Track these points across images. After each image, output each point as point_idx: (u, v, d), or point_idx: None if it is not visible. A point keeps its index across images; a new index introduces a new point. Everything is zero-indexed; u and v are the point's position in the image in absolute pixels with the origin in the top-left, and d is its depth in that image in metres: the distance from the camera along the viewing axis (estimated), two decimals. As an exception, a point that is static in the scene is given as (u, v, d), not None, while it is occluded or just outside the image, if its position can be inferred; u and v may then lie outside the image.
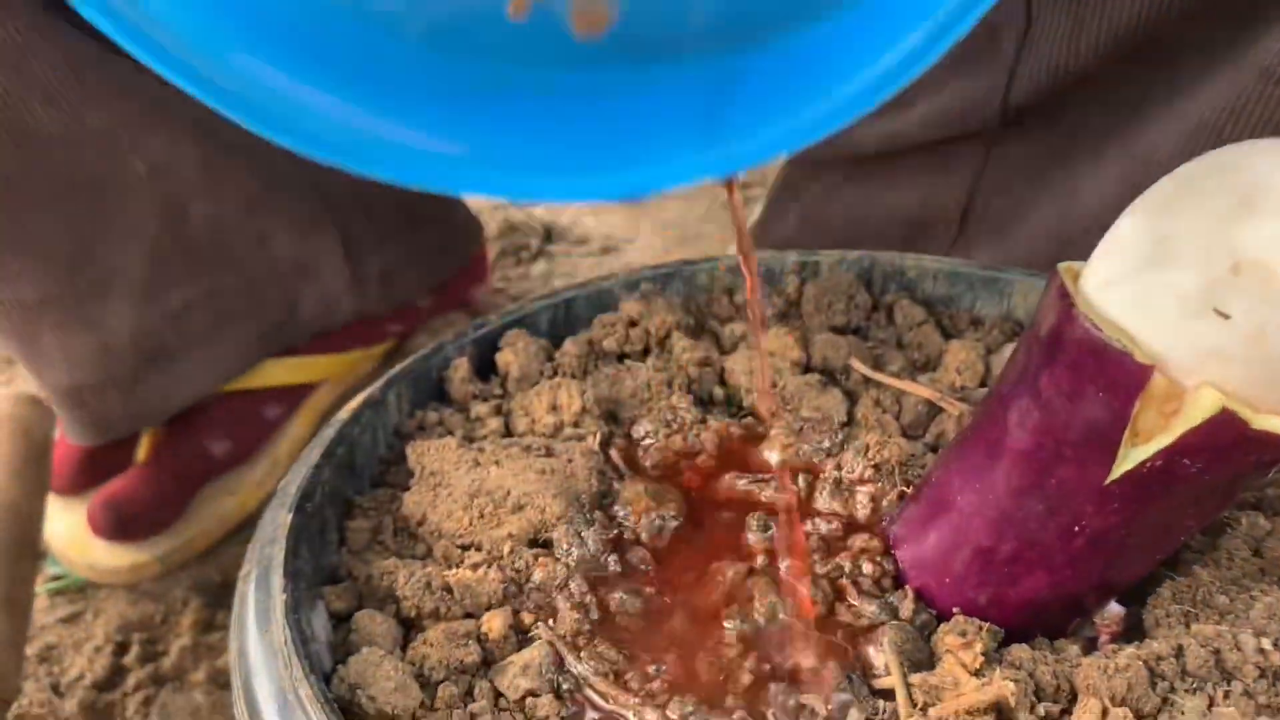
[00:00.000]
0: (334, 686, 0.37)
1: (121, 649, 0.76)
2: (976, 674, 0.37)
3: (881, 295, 0.59)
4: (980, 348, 0.54)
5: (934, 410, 0.52)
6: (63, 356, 0.72)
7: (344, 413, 0.48)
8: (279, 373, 0.85)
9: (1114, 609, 0.42)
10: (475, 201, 1.12)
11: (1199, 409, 0.33)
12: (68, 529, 0.80)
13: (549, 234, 1.13)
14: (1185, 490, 0.36)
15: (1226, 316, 0.33)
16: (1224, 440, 0.34)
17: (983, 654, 0.37)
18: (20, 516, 0.68)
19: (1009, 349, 0.54)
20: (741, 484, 0.47)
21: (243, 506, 0.83)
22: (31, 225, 0.66)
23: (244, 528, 0.84)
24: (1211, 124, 0.60)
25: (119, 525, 0.79)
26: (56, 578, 0.80)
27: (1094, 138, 0.68)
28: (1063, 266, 0.38)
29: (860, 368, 0.54)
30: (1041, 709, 0.37)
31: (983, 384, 0.54)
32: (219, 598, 0.79)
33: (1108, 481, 0.36)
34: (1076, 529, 0.37)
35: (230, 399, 0.84)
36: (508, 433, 0.51)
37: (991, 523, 0.39)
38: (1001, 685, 0.36)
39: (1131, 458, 0.35)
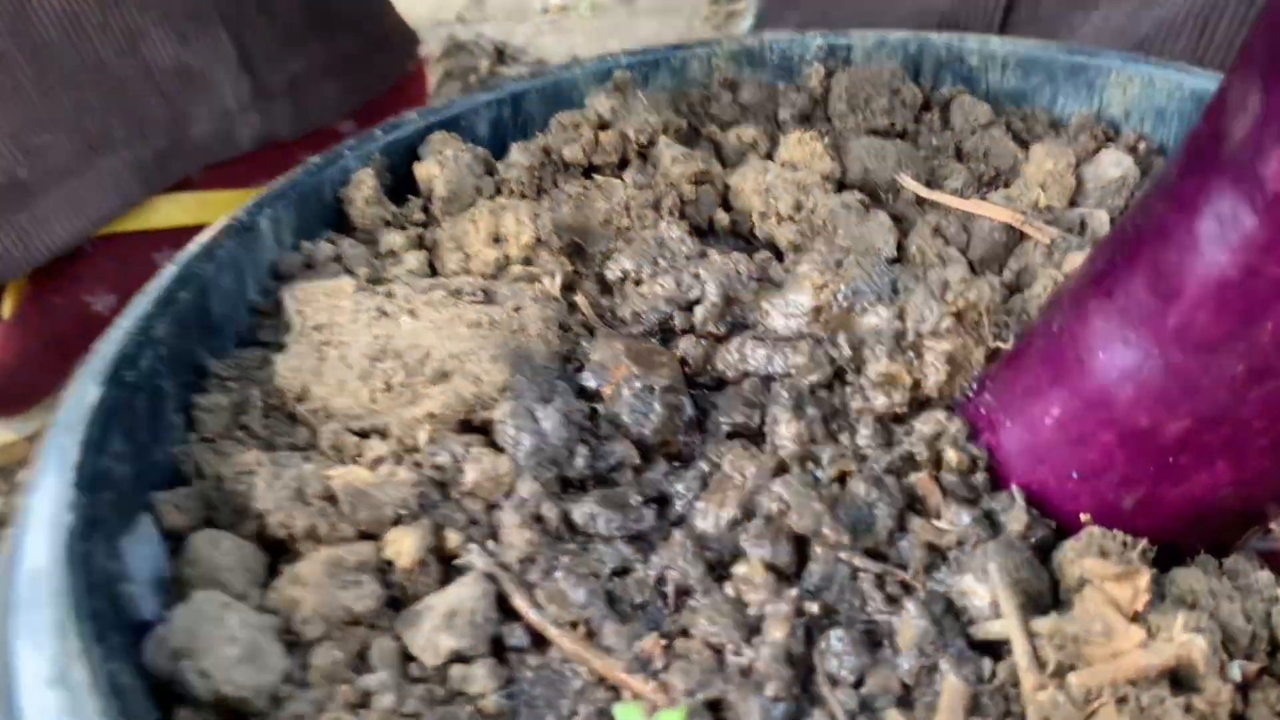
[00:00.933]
0: (148, 655, 0.24)
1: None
2: (1136, 619, 0.24)
3: (934, 89, 0.45)
4: (1069, 155, 0.40)
5: (1014, 238, 0.38)
6: None
7: (193, 245, 0.34)
8: (172, 211, 0.71)
9: (1300, 512, 0.29)
10: (413, 15, 0.94)
11: None
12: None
13: (501, 55, 0.96)
14: None
15: None
16: None
17: (1147, 594, 0.25)
18: None
19: (1109, 158, 0.40)
20: (759, 352, 0.33)
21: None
22: None
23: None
24: None
25: None
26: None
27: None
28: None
29: (911, 185, 0.40)
30: (1235, 668, 0.24)
31: (1073, 203, 0.40)
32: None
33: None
34: (1296, 397, 0.24)
35: (114, 243, 0.70)
36: (432, 273, 0.37)
37: (1155, 391, 0.26)
38: (1187, 643, 0.23)
39: None
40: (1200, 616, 0.24)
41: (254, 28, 0.70)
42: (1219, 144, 0.24)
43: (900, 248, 0.38)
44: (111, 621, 0.24)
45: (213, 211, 0.72)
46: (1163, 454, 0.26)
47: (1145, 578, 0.24)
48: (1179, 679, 0.24)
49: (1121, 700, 0.23)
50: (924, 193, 0.39)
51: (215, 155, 0.71)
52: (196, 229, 0.74)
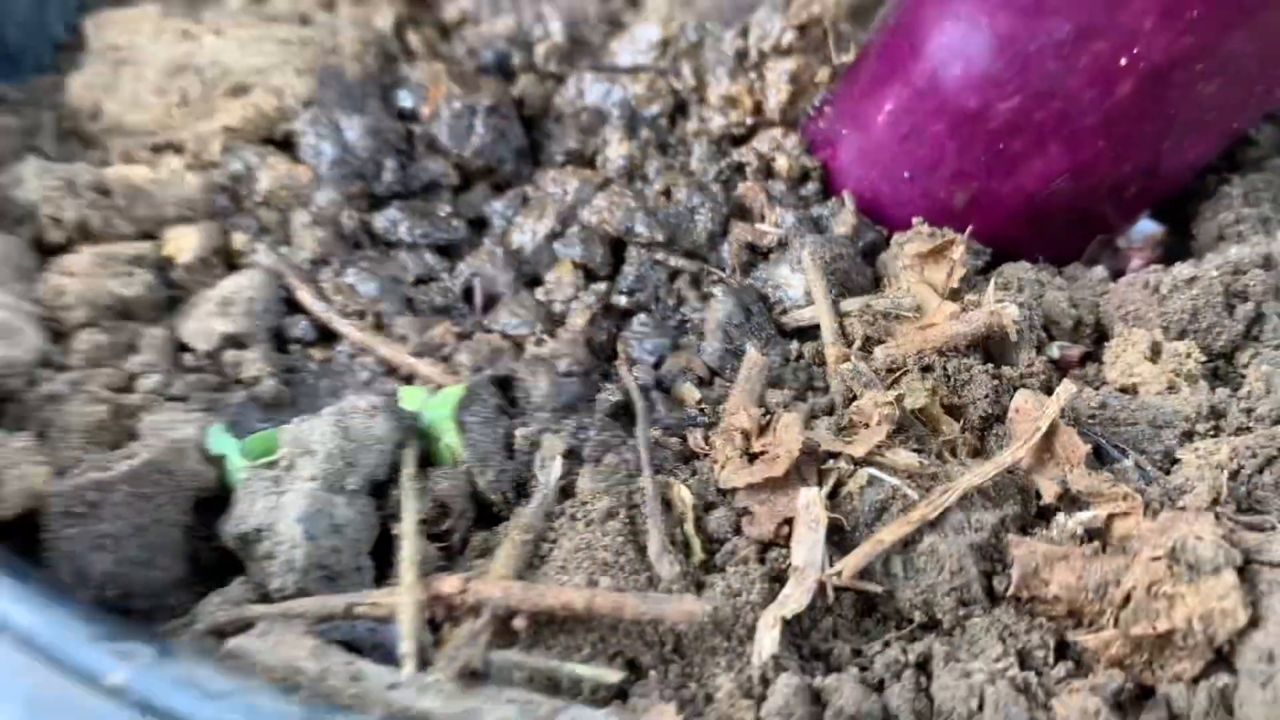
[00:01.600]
0: (-122, 334, 0.22)
1: None
2: (953, 296, 0.23)
3: None
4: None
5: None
6: None
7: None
8: None
9: (1147, 227, 0.28)
10: None
11: None
12: None
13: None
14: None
15: None
16: None
17: (962, 267, 0.23)
18: None
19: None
20: (599, 86, 0.31)
21: None
22: None
23: None
24: None
25: None
26: None
27: None
28: None
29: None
30: (1055, 348, 0.23)
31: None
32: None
33: (1192, -37, 0.21)
34: (1124, 62, 0.23)
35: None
36: (252, 4, 0.34)
37: (982, 69, 0.24)
38: (998, 309, 0.22)
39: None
40: (1020, 296, 0.23)
41: None
42: None
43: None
44: None
45: None
46: (993, 140, 0.25)
47: (960, 249, 0.23)
48: (992, 354, 0.23)
49: (926, 368, 0.22)
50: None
51: None
52: None
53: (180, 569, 0.20)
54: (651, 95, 0.31)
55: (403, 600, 0.18)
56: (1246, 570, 0.18)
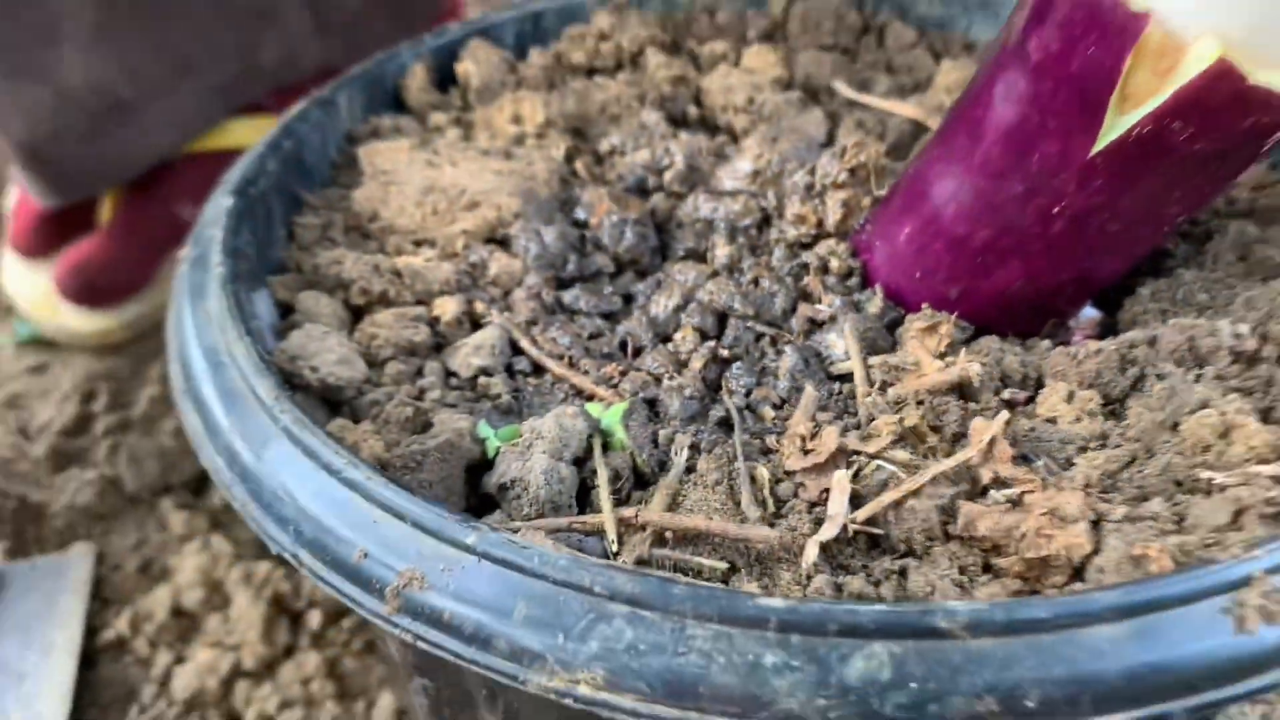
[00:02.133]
0: (274, 358, 0.36)
1: (89, 397, 0.75)
2: (940, 357, 0.36)
3: (874, 16, 0.56)
4: (970, 67, 0.51)
5: (920, 132, 0.49)
6: (17, 108, 0.68)
7: (293, 110, 0.46)
8: (247, 133, 0.82)
9: (1089, 313, 0.41)
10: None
11: (1196, 61, 0.31)
12: (36, 290, 0.79)
13: None
14: (1172, 166, 0.34)
15: (1235, -46, 0.30)
16: (1220, 98, 0.31)
17: (948, 339, 0.36)
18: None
19: (1001, 72, 0.51)
20: (709, 204, 0.44)
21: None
22: None
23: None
24: None
25: (86, 290, 0.77)
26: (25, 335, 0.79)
27: None
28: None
29: (844, 89, 0.51)
30: (1006, 393, 0.35)
31: (971, 108, 0.51)
32: (188, 350, 0.78)
33: (1092, 153, 0.34)
34: (1056, 211, 0.35)
35: (198, 161, 0.81)
36: (467, 142, 0.48)
37: (967, 209, 0.37)
38: (965, 365, 0.35)
39: (1119, 124, 0.33)
40: (985, 358, 0.36)
41: None
42: (1009, 33, 0.35)
43: (830, 135, 0.49)
44: (247, 330, 0.35)
45: (279, 129, 0.84)
46: (974, 255, 0.37)
47: (947, 326, 0.36)
48: (965, 395, 0.35)
49: (919, 403, 0.34)
50: (852, 95, 0.50)
51: (280, 80, 0.82)
52: (267, 144, 0.86)
53: (462, 504, 0.33)
54: (745, 211, 0.44)
55: (606, 518, 0.31)
56: (1097, 524, 0.30)
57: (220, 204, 0.39)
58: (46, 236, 0.80)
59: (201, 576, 0.62)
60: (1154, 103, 0.32)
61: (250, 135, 0.83)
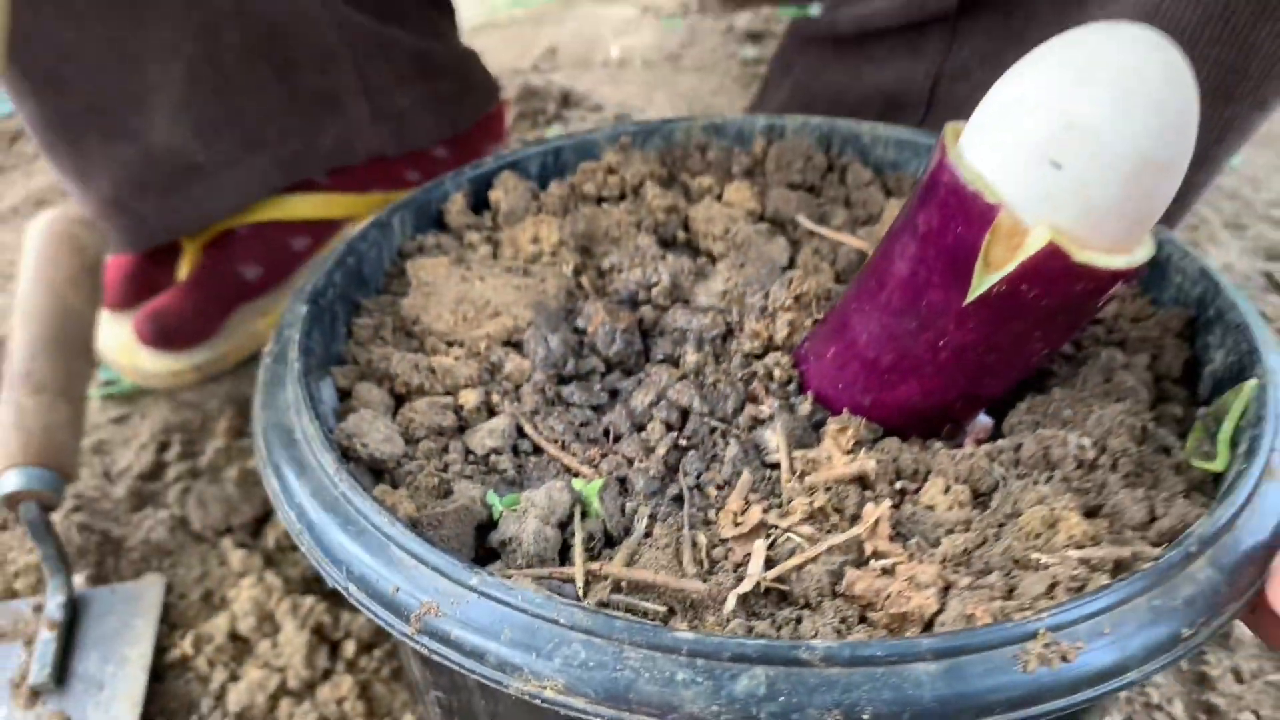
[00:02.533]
0: (335, 436, 0.46)
1: (164, 447, 0.86)
2: (849, 453, 0.46)
3: (838, 158, 0.66)
4: (914, 208, 0.62)
5: (864, 258, 0.60)
6: (106, 164, 0.81)
7: (353, 230, 0.57)
8: (305, 207, 0.94)
9: (982, 420, 0.50)
10: (497, 63, 1.18)
11: (1033, 243, 0.41)
12: (118, 339, 0.91)
13: (566, 99, 1.20)
14: (1028, 313, 0.44)
15: (1059, 167, 0.40)
16: (1054, 270, 0.41)
17: (855, 439, 0.46)
18: (77, 319, 0.78)
19: (939, 210, 0.62)
20: (684, 316, 0.55)
21: (272, 327, 0.93)
22: (80, 36, 0.74)
23: (274, 351, 0.94)
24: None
25: (161, 334, 0.89)
26: (108, 383, 0.91)
27: (1041, 29, 0.74)
28: (949, 125, 0.45)
29: (805, 222, 0.61)
30: (899, 484, 0.45)
31: (913, 239, 0.61)
32: (250, 408, 0.89)
33: (965, 303, 0.44)
34: (941, 344, 0.45)
35: (262, 230, 0.93)
36: (495, 259, 0.59)
37: (875, 338, 0.47)
38: (865, 461, 0.45)
39: (983, 283, 0.43)
40: (884, 456, 0.46)
41: (376, 68, 0.92)
42: (906, 207, 0.46)
43: (791, 260, 0.60)
44: (316, 415, 0.46)
45: (335, 209, 0.96)
46: (881, 374, 0.48)
47: (853, 432, 0.46)
48: (865, 484, 0.45)
49: (827, 489, 0.44)
50: (811, 226, 0.61)
51: (335, 162, 0.94)
52: (323, 223, 1.00)
53: (471, 554, 0.44)
54: (713, 325, 0.54)
55: (577, 570, 0.41)
56: (946, 590, 0.40)
57: (297, 310, 0.50)
58: (131, 292, 0.92)
59: (255, 607, 0.72)
60: (1007, 269, 0.42)
61: (305, 209, 0.95)
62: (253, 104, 0.84)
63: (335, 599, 0.73)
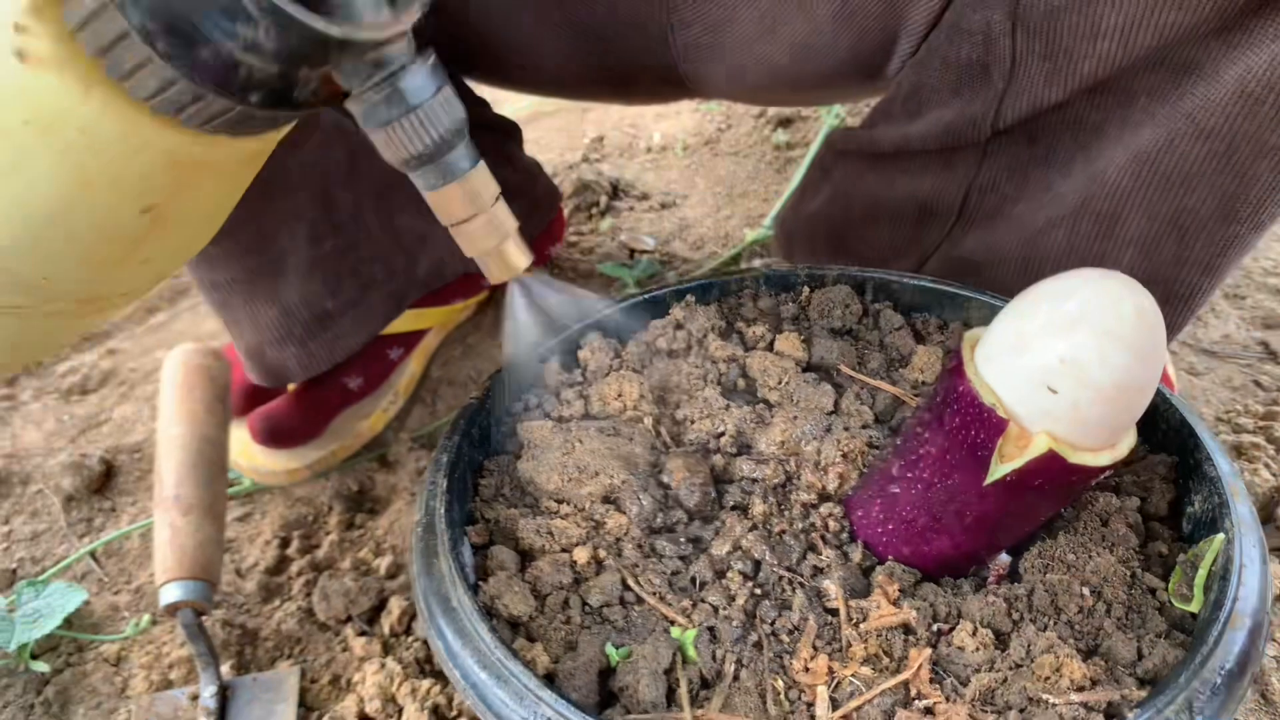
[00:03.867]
0: (479, 597, 0.58)
1: (285, 543, 0.98)
2: (894, 602, 0.57)
3: (872, 303, 0.77)
4: (939, 351, 0.73)
5: (898, 403, 0.71)
6: (252, 323, 0.93)
7: (473, 399, 0.68)
8: (399, 322, 1.06)
9: (1002, 558, 0.61)
10: (547, 156, 1.29)
11: (1036, 447, 0.52)
12: (236, 442, 1.03)
13: (615, 190, 1.31)
14: (1034, 493, 0.54)
15: (1055, 392, 0.51)
16: (1053, 467, 0.52)
17: (899, 589, 0.57)
18: (213, 444, 0.90)
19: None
20: (749, 465, 0.66)
21: (372, 428, 1.05)
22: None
23: (373, 445, 1.06)
24: (1149, 155, 0.75)
25: (271, 434, 1.01)
26: (232, 484, 1.03)
27: (1064, 154, 0.84)
28: (967, 336, 0.56)
29: (845, 369, 0.72)
30: (935, 627, 0.56)
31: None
32: (357, 503, 1.01)
33: (984, 484, 0.55)
34: (967, 513, 0.56)
35: (363, 345, 1.05)
36: (586, 411, 0.70)
37: (912, 503, 0.58)
38: (908, 611, 0.56)
39: (997, 472, 0.54)
40: (923, 604, 0.57)
41: None
42: (933, 404, 0.57)
43: (836, 405, 0.71)
44: (466, 584, 0.57)
45: (425, 321, 1.08)
46: (919, 532, 0.59)
47: (897, 584, 0.57)
48: (909, 628, 0.56)
49: (879, 635, 0.55)
50: (851, 373, 0.72)
51: (430, 287, 1.06)
52: (414, 333, 1.12)
53: (596, 697, 0.55)
54: (774, 474, 0.65)
55: (686, 716, 0.52)
56: (971, 713, 0.51)
57: (438, 483, 0.62)
58: (250, 402, 1.04)
59: (379, 690, 0.84)
60: (1017, 464, 0.53)
61: (400, 324, 1.06)
62: (365, 252, 0.95)
63: (447, 681, 0.85)
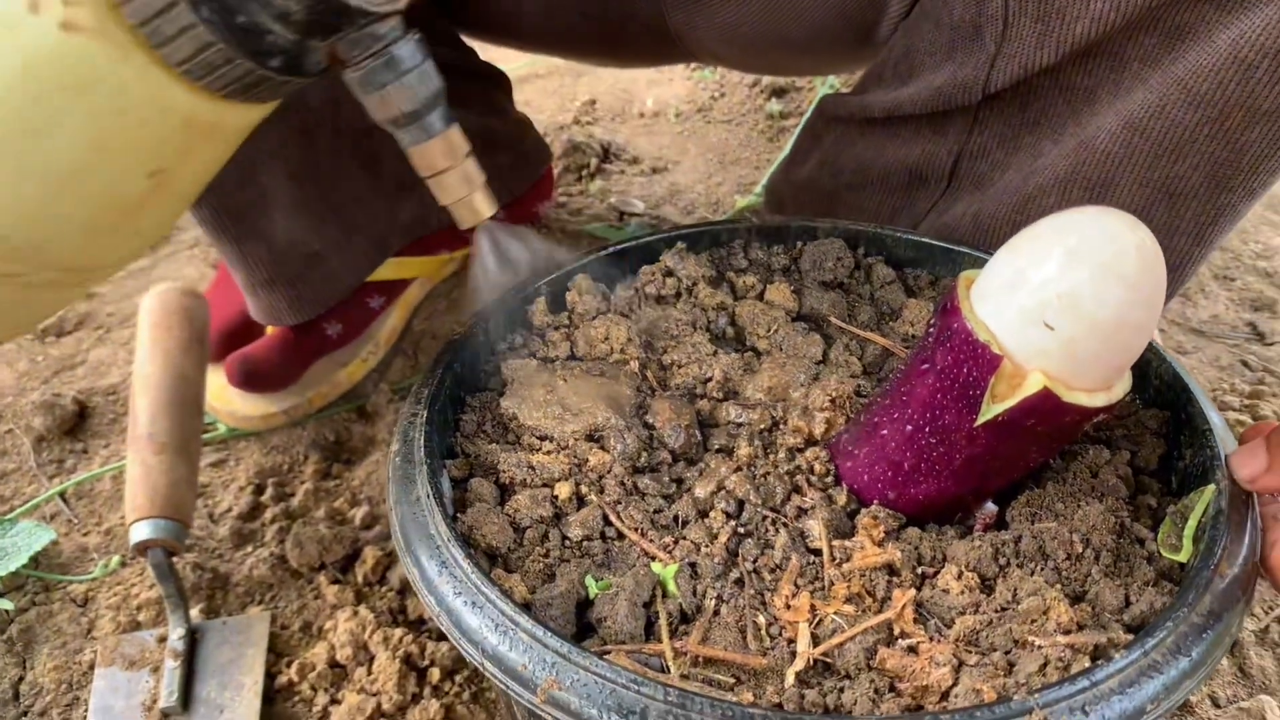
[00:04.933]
0: (457, 527, 0.57)
1: (259, 490, 0.97)
2: (879, 544, 0.56)
3: (865, 257, 0.76)
4: (931, 305, 0.72)
5: (888, 355, 0.70)
6: (245, 262, 0.91)
7: (458, 335, 0.67)
8: (381, 270, 1.04)
9: (989, 507, 0.60)
10: (539, 118, 1.28)
11: (1030, 385, 0.51)
12: (212, 386, 1.01)
13: (607, 153, 1.29)
14: (1026, 435, 0.54)
15: (1051, 328, 0.50)
16: (1046, 406, 0.51)
17: (884, 531, 0.56)
18: (189, 383, 0.88)
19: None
20: (735, 410, 0.65)
21: (350, 377, 1.04)
22: None
23: (350, 394, 1.05)
24: (1140, 121, 0.74)
25: (247, 377, 0.99)
26: (207, 427, 1.02)
27: (1056, 120, 0.83)
28: (962, 275, 0.55)
29: (836, 320, 0.71)
30: (920, 570, 0.56)
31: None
32: (333, 452, 1.00)
33: (975, 425, 0.54)
34: (953, 454, 0.55)
35: (341, 292, 1.03)
36: (572, 353, 0.69)
37: (900, 446, 0.57)
38: (892, 552, 0.55)
39: (989, 412, 0.53)
40: (907, 546, 0.56)
41: None
42: (926, 343, 0.56)
43: (825, 355, 0.70)
44: (444, 513, 0.56)
45: (407, 271, 1.06)
46: (905, 475, 0.58)
47: (883, 526, 0.56)
48: (892, 569, 0.55)
49: (863, 575, 0.55)
50: (842, 325, 0.71)
51: (413, 236, 1.04)
52: (396, 283, 1.10)
53: (573, 629, 0.54)
54: (761, 420, 0.64)
55: (665, 647, 0.51)
56: (959, 667, 0.50)
57: (419, 414, 0.61)
58: (228, 345, 1.03)
59: (351, 638, 0.83)
60: (1009, 403, 0.52)
61: (382, 272, 1.05)
62: (346, 196, 0.94)
63: (421, 630, 0.83)
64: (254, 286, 0.95)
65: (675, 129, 1.34)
